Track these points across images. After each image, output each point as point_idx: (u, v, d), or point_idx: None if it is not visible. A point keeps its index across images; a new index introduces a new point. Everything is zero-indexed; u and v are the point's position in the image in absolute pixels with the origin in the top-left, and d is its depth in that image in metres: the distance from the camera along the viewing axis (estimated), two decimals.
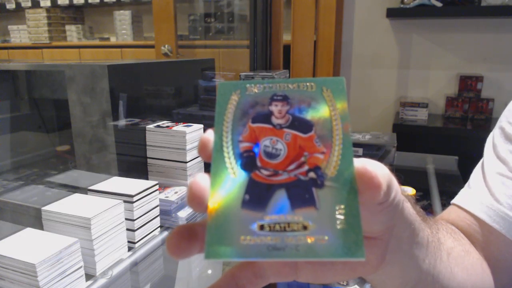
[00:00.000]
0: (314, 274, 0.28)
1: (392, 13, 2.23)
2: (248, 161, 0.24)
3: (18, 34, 3.69)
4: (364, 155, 1.18)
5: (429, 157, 1.38)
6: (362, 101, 2.53)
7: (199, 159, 0.87)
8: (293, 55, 2.32)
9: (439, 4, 2.07)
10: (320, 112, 0.25)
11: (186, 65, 1.27)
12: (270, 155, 0.25)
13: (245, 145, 0.25)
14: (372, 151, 1.16)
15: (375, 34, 2.42)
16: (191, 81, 1.21)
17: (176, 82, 1.14)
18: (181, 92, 1.15)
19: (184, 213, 0.79)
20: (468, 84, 2.18)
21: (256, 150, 0.25)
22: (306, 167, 0.24)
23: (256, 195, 0.23)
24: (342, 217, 0.22)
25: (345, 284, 0.80)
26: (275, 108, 0.26)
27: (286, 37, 1.82)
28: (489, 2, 2.01)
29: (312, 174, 0.24)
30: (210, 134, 0.25)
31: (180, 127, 0.84)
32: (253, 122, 0.25)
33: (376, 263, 0.28)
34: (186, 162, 0.83)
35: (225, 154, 0.24)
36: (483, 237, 0.48)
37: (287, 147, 0.25)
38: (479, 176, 0.52)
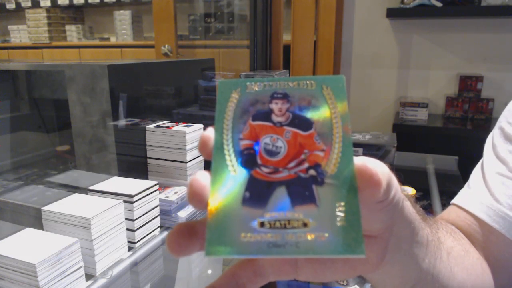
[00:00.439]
0: (314, 273, 0.28)
1: (392, 13, 2.23)
2: (248, 159, 0.24)
3: (18, 34, 3.69)
4: (364, 155, 1.18)
5: (429, 157, 1.38)
6: (362, 101, 2.53)
7: (199, 159, 0.87)
8: (293, 55, 2.32)
9: (439, 4, 2.07)
10: (320, 110, 0.26)
11: (186, 65, 1.27)
12: (271, 153, 0.25)
13: (245, 142, 0.25)
14: (372, 151, 1.16)
15: (375, 34, 2.42)
16: (191, 81, 1.21)
17: (176, 82, 1.13)
18: (181, 92, 1.15)
19: (184, 213, 0.79)
20: (468, 84, 2.18)
21: (256, 147, 0.25)
22: (306, 165, 0.24)
23: (257, 192, 0.23)
24: (342, 214, 0.23)
25: (345, 284, 0.80)
26: (275, 106, 0.26)
27: (286, 37, 1.82)
28: (489, 2, 2.01)
29: (312, 172, 0.24)
30: (210, 132, 0.25)
31: (180, 127, 0.84)
32: (254, 120, 0.26)
33: (376, 262, 0.28)
34: (186, 162, 0.83)
35: (226, 152, 0.24)
36: (483, 237, 0.49)
37: (287, 144, 0.25)
38: (478, 176, 0.52)
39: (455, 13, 2.16)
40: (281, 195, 0.23)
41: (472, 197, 0.51)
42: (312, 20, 2.26)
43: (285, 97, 0.26)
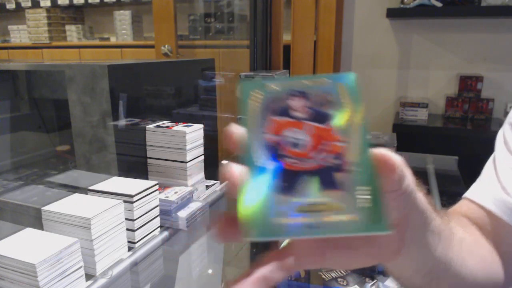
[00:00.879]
0: (340, 260, 0.30)
1: (392, 13, 2.23)
2: (275, 152, 0.27)
3: (18, 34, 3.69)
4: None
5: (429, 157, 1.38)
6: (362, 101, 2.52)
7: (199, 159, 0.87)
8: (293, 55, 2.32)
9: (439, 4, 2.07)
10: (336, 105, 0.28)
11: (186, 65, 1.27)
12: (294, 145, 0.27)
13: (270, 137, 0.27)
14: None
15: (375, 34, 2.42)
16: (191, 81, 1.21)
17: (176, 82, 1.13)
18: (181, 92, 1.15)
19: (184, 213, 0.79)
20: (468, 84, 2.18)
21: (281, 141, 0.27)
22: (328, 154, 0.27)
23: (287, 181, 0.26)
24: (367, 197, 0.25)
25: (345, 284, 0.80)
26: (295, 102, 0.28)
27: (286, 37, 1.82)
28: (489, 2, 2.01)
29: (334, 160, 0.27)
30: (235, 128, 0.27)
31: (180, 127, 0.84)
32: (276, 116, 0.28)
33: (396, 249, 0.30)
34: (186, 162, 0.83)
35: (253, 146, 0.27)
36: (493, 229, 0.49)
37: (309, 137, 0.27)
38: (490, 171, 0.53)
39: (455, 13, 2.16)
40: (309, 183, 0.26)
41: (483, 190, 0.52)
42: (312, 20, 2.26)
43: (303, 94, 0.28)
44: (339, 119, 0.28)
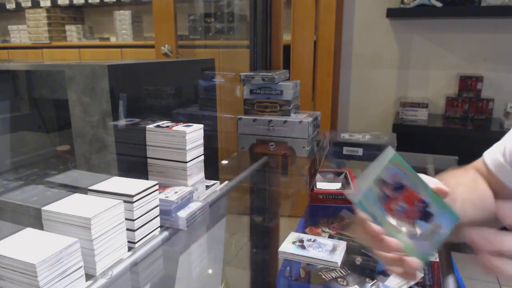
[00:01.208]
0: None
1: (392, 13, 2.23)
2: (398, 218, 0.51)
3: (18, 34, 3.69)
4: (364, 155, 1.19)
5: (429, 157, 1.38)
6: (362, 101, 2.53)
7: (199, 159, 0.87)
8: (293, 55, 2.32)
9: (439, 4, 2.07)
10: (400, 174, 0.51)
11: (186, 65, 1.27)
12: (403, 210, 0.51)
13: (390, 214, 0.51)
14: (372, 151, 1.16)
15: (375, 34, 2.42)
16: (191, 81, 1.21)
17: (176, 82, 1.13)
18: (181, 92, 1.15)
19: (184, 213, 0.79)
20: (468, 84, 2.18)
21: (395, 213, 0.51)
22: (418, 203, 0.51)
23: (413, 230, 0.51)
24: (444, 212, 0.51)
25: (345, 284, 0.80)
26: (384, 186, 0.51)
27: (286, 37, 1.82)
28: (489, 2, 2.01)
29: (422, 204, 0.51)
30: (368, 220, 0.51)
31: (180, 127, 0.84)
32: (382, 201, 0.51)
33: None
34: (186, 162, 0.83)
35: (387, 223, 0.51)
36: (490, 180, 0.69)
37: (405, 202, 0.51)
38: (504, 139, 0.69)
39: (455, 13, 2.16)
40: (422, 223, 0.52)
41: (491, 150, 0.72)
42: (312, 20, 2.26)
43: (383, 181, 0.51)
44: (408, 181, 0.51)
